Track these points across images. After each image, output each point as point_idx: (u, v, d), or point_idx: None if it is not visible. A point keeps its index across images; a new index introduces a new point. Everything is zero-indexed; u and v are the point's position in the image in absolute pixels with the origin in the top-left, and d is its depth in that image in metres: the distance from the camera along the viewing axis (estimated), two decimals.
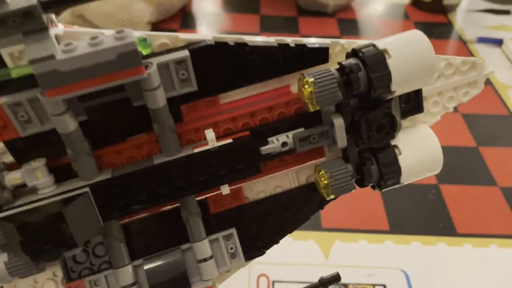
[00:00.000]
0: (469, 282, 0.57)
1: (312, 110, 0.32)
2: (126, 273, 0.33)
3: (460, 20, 1.17)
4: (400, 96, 0.34)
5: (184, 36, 0.29)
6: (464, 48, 1.07)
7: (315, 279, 0.47)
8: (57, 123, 0.28)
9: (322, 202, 0.36)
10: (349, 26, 1.13)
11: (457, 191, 0.69)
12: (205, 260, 0.34)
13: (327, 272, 0.51)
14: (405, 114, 0.35)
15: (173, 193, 0.31)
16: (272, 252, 0.54)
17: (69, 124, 0.28)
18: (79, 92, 0.26)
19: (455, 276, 0.57)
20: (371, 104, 0.33)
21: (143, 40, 0.27)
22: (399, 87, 0.32)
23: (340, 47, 0.34)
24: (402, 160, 0.33)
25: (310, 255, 0.56)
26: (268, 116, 0.34)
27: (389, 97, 0.32)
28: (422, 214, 0.64)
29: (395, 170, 0.33)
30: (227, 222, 0.35)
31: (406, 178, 0.34)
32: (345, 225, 0.60)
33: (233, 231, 0.35)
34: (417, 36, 0.32)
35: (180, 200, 0.34)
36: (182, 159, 0.31)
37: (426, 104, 0.37)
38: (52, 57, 0.25)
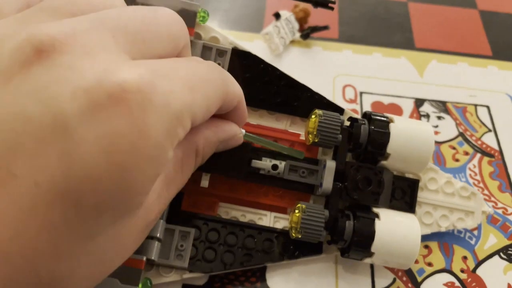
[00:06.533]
0: None
1: (310, 141, 0.34)
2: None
3: None
4: (394, 188, 0.36)
5: (233, 39, 0.36)
6: None
7: (409, 94, 0.47)
8: None
9: (282, 256, 0.35)
10: None
11: None
12: (151, 238, 0.32)
13: (422, 89, 0.51)
14: (396, 208, 0.36)
15: None
16: (358, 65, 0.53)
17: None
18: None
19: None
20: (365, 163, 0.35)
21: (205, 13, 0.33)
22: (393, 153, 0.34)
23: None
24: (379, 225, 0.33)
25: (402, 72, 0.53)
26: None
27: (383, 161, 0.34)
28: None
29: (369, 231, 0.33)
30: (191, 223, 0.35)
31: (377, 249, 0.33)
32: (441, 46, 0.57)
33: (192, 232, 0.34)
34: (427, 129, 0.35)
35: None
36: None
37: (419, 210, 0.38)
38: None
